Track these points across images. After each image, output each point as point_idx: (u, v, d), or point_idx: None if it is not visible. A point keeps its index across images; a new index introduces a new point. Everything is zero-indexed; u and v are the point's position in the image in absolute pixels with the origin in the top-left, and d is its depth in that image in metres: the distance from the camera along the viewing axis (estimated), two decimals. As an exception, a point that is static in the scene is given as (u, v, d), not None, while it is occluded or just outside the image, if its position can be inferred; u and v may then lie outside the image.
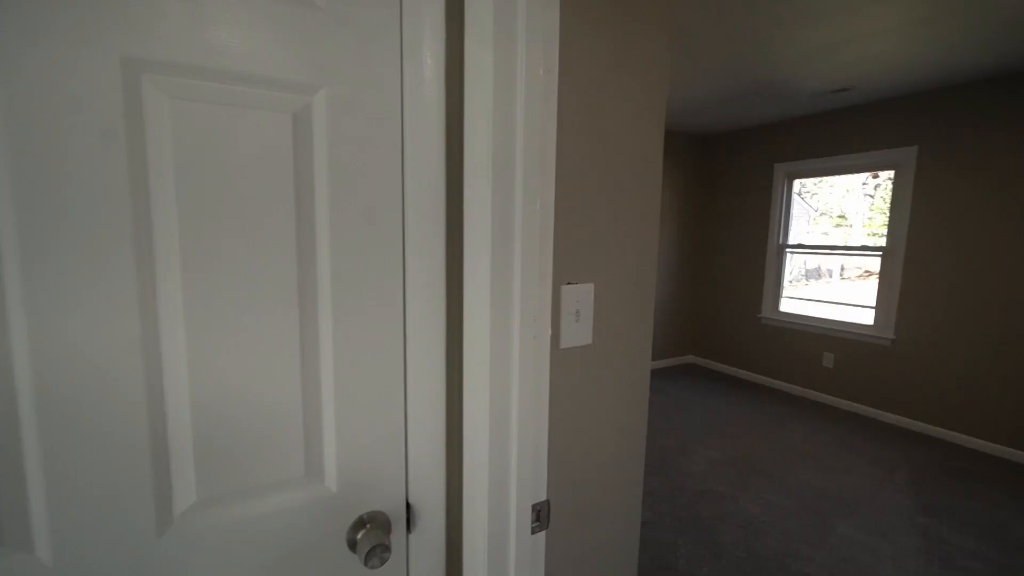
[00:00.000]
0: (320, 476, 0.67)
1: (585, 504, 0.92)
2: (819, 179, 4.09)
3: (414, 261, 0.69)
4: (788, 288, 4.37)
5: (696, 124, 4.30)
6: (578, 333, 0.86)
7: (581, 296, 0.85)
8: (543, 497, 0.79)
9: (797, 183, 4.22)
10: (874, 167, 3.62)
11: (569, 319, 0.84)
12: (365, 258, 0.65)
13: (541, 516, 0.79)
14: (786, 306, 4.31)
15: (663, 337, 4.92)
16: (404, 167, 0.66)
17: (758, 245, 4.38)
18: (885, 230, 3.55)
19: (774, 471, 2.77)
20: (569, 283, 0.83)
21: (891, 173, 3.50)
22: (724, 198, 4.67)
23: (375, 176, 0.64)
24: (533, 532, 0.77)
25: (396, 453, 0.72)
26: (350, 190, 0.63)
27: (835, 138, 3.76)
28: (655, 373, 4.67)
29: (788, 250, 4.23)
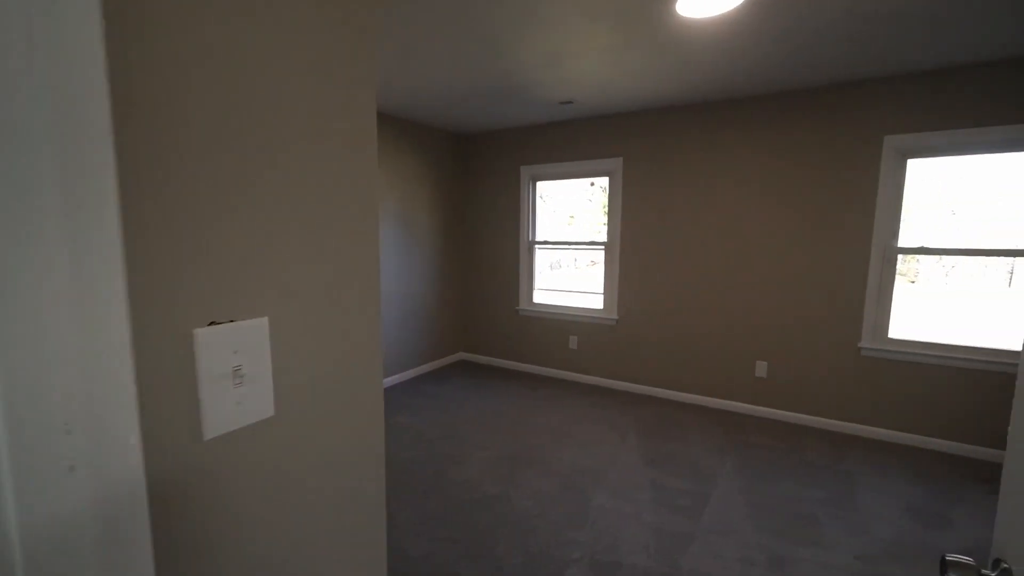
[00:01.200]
0: None
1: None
2: (556, 182, 4.57)
3: None
4: (544, 279, 4.79)
5: (451, 121, 4.28)
6: (243, 406, 0.50)
7: (243, 341, 0.49)
8: None
9: (541, 185, 4.64)
10: (595, 173, 4.23)
11: (217, 386, 0.47)
12: None
13: None
14: (539, 297, 4.72)
15: (432, 338, 4.80)
16: None
17: (513, 242, 4.66)
18: (606, 228, 4.19)
19: (541, 458, 2.90)
20: (214, 323, 0.47)
21: (607, 180, 4.14)
22: (481, 196, 4.82)
23: None
24: None
25: None
26: None
27: (566, 146, 4.25)
28: (425, 377, 4.52)
29: (537, 246, 4.63)
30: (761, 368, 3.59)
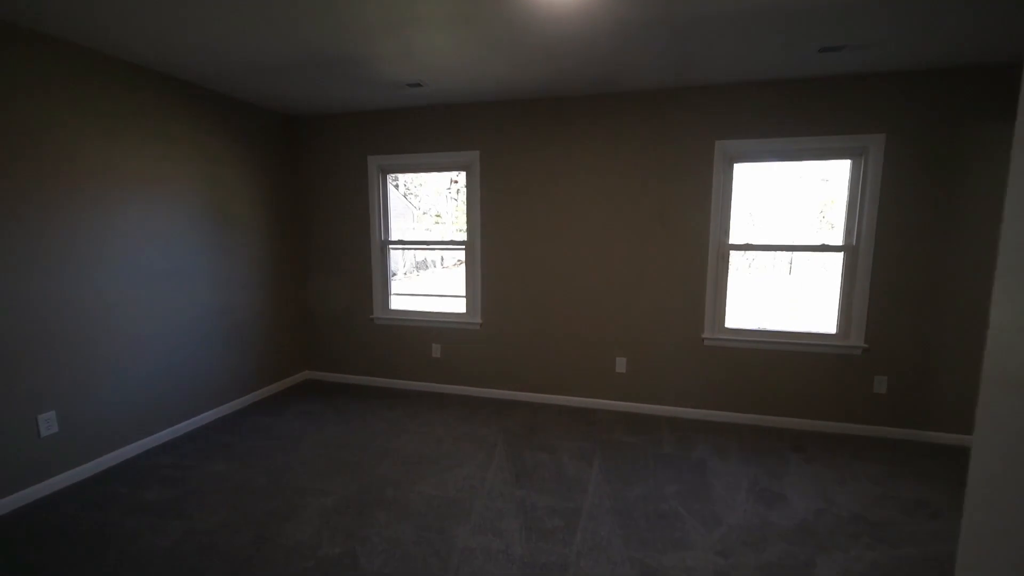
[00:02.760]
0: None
1: None
2: (412, 176, 4.14)
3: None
4: (402, 281, 4.32)
5: (279, 98, 3.56)
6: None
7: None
8: None
9: (396, 179, 4.16)
10: (452, 167, 3.90)
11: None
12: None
13: None
14: (396, 303, 4.24)
15: (267, 358, 4.01)
16: None
17: (362, 242, 4.11)
18: (466, 226, 3.90)
19: (394, 496, 2.48)
20: None
21: (464, 174, 3.84)
22: (322, 190, 4.16)
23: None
24: None
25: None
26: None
27: (419, 135, 3.84)
28: (259, 406, 3.74)
29: (391, 246, 4.15)
30: (621, 364, 3.64)
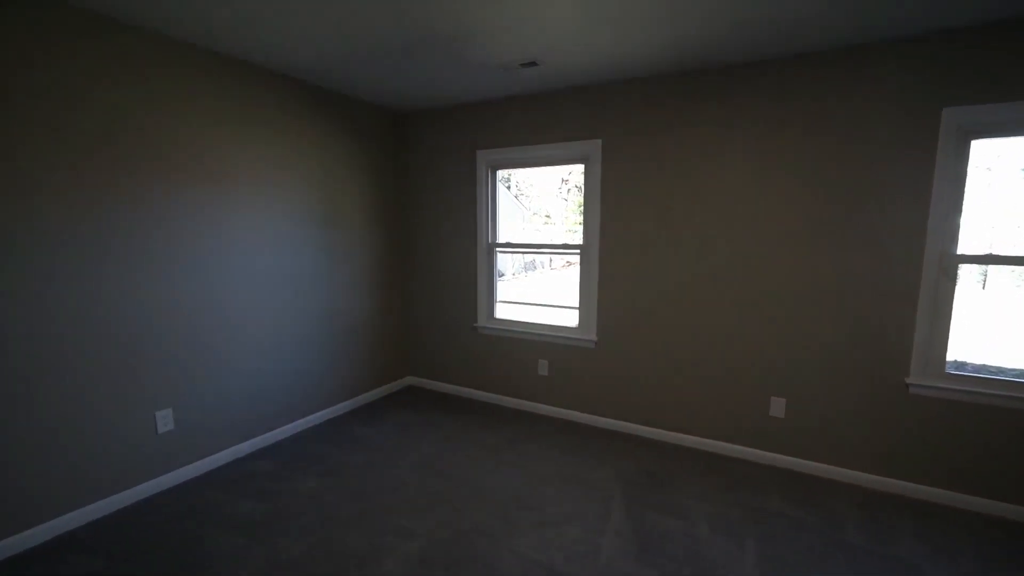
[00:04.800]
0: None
1: None
2: (522, 175, 3.73)
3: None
4: (508, 282, 3.95)
5: (385, 93, 3.39)
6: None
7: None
8: None
9: (508, 181, 3.79)
10: (568, 160, 3.40)
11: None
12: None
13: None
14: (502, 312, 3.87)
15: (371, 364, 3.91)
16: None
17: (468, 245, 3.80)
18: (582, 228, 3.37)
19: (486, 553, 2.06)
20: None
21: (582, 171, 3.32)
22: (428, 190, 3.94)
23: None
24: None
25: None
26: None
27: (532, 125, 3.40)
28: (360, 413, 3.62)
29: (498, 249, 3.78)
30: (778, 406, 2.83)
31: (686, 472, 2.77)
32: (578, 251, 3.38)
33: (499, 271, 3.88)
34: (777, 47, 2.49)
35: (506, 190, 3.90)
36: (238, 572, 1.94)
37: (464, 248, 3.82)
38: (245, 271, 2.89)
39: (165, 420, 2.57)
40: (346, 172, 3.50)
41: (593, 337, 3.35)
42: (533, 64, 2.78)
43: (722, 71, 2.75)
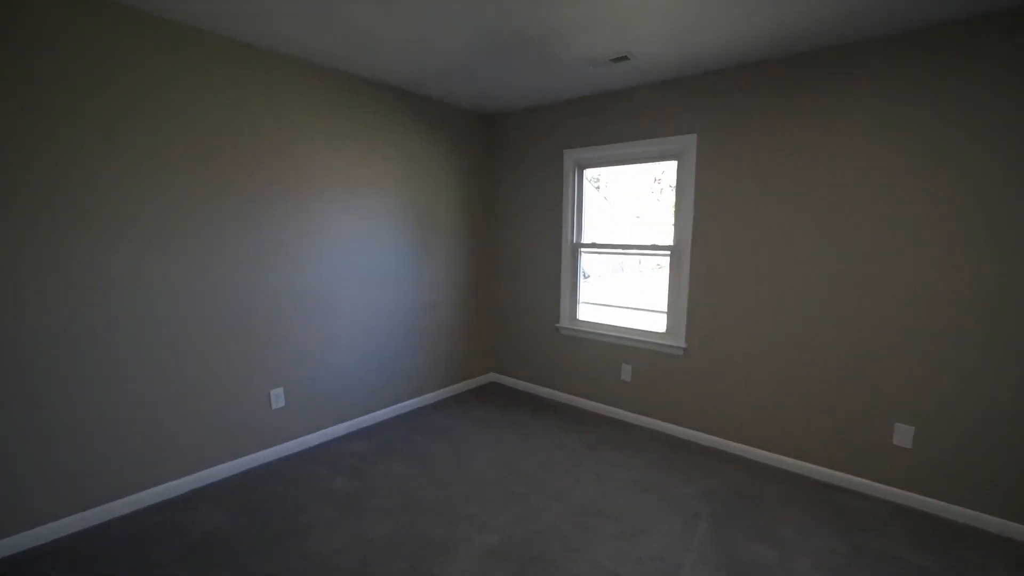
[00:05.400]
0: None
1: None
2: (608, 169, 3.64)
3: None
4: (593, 284, 3.89)
5: (477, 97, 3.49)
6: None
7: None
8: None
9: (597, 182, 3.73)
10: (660, 156, 3.25)
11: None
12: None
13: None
14: (584, 313, 3.81)
15: (461, 354, 4.06)
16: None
17: (552, 245, 3.79)
18: (673, 228, 3.20)
19: (561, 558, 2.03)
20: None
21: (675, 165, 3.15)
22: (513, 190, 4.00)
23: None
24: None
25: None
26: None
27: (622, 122, 3.30)
28: (443, 405, 3.77)
29: (583, 249, 3.72)
30: (904, 434, 2.45)
31: (784, 497, 2.51)
32: (668, 252, 3.22)
33: (584, 272, 3.82)
34: (904, 18, 2.16)
35: (594, 190, 3.82)
36: (331, 540, 2.11)
37: (549, 248, 3.82)
38: (348, 266, 3.14)
39: (278, 397, 2.88)
40: (437, 174, 3.67)
41: (682, 344, 3.17)
42: (624, 59, 2.69)
43: (832, 52, 2.45)
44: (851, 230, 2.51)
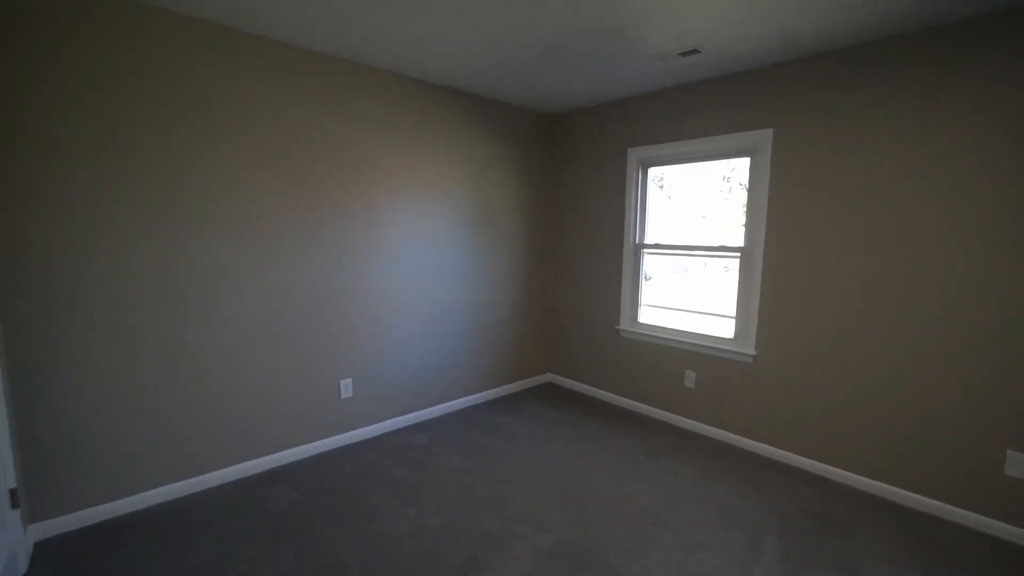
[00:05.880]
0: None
1: None
2: (674, 168, 3.51)
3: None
4: (654, 286, 3.78)
5: (538, 97, 3.50)
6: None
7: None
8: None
9: (661, 181, 3.63)
10: (731, 153, 3.09)
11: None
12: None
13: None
14: (646, 316, 3.71)
15: (518, 353, 4.10)
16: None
17: (614, 245, 3.72)
18: (744, 229, 3.03)
19: (617, 564, 1.99)
20: None
21: (747, 162, 2.98)
22: (575, 189, 3.96)
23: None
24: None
25: None
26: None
27: (689, 118, 3.18)
28: (500, 403, 3.82)
29: (645, 250, 3.62)
30: (1018, 463, 2.17)
31: (864, 522, 2.31)
32: (738, 254, 3.05)
33: (646, 274, 3.72)
34: (1039, -6, 1.90)
35: (658, 189, 3.69)
36: (394, 525, 2.21)
37: (610, 248, 3.76)
38: (411, 264, 3.27)
39: (347, 388, 3.06)
40: (498, 174, 3.72)
41: (751, 351, 3.00)
42: (694, 52, 2.59)
43: (928, 34, 2.20)
44: (952, 236, 2.25)
